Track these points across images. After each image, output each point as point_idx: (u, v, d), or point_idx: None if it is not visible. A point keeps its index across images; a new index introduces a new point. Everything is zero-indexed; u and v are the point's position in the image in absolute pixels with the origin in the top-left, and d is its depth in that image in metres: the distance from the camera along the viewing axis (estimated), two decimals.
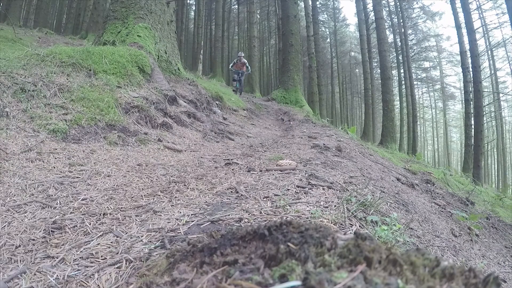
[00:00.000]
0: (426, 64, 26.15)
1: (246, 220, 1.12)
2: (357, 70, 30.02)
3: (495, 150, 22.17)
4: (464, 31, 11.05)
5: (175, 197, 1.50)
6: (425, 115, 32.94)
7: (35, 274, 0.85)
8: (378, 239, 1.04)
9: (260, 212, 1.19)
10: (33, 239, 1.06)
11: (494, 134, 20.67)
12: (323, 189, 1.48)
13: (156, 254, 0.91)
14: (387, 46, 12.50)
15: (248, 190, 1.50)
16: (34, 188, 1.51)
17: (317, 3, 17.28)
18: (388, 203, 1.56)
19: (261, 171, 1.89)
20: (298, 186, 1.49)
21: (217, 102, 5.19)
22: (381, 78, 12.40)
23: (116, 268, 0.87)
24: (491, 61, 18.38)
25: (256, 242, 0.50)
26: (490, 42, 16.77)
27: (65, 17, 17.40)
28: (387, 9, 18.07)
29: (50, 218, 1.22)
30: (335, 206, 1.24)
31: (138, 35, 4.24)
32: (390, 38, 17.81)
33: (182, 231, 1.07)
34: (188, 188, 1.65)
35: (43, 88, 2.56)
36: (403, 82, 18.44)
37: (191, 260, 0.53)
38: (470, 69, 10.64)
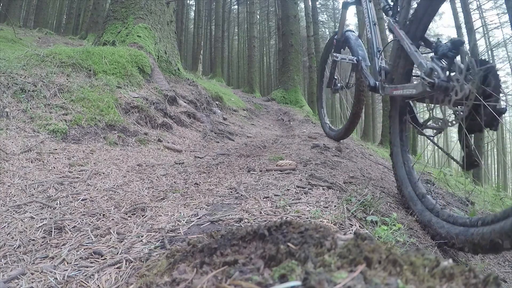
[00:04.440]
0: None
1: (246, 220, 1.12)
2: None
3: (495, 150, 22.18)
4: (464, 31, 11.05)
5: (175, 197, 1.50)
6: (425, 115, 32.86)
7: (35, 274, 0.85)
8: (378, 239, 1.04)
9: (260, 212, 1.19)
10: (33, 239, 1.06)
11: (494, 134, 20.65)
12: (323, 189, 1.48)
13: (156, 254, 0.90)
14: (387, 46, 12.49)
15: (248, 190, 1.50)
16: (34, 189, 1.51)
17: (317, 3, 17.28)
18: (388, 203, 1.56)
19: (261, 171, 1.89)
20: (298, 186, 1.49)
21: (217, 102, 5.19)
22: None
23: (116, 268, 0.87)
24: (491, 61, 18.35)
25: (256, 242, 0.50)
26: (490, 42, 16.77)
27: (65, 18, 17.41)
28: None
29: (50, 218, 1.22)
30: (335, 206, 1.24)
31: (138, 36, 4.24)
32: (390, 38, 17.81)
33: (182, 231, 1.07)
34: (188, 188, 1.65)
35: (43, 88, 2.56)
36: None
37: (191, 260, 0.53)
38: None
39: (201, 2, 20.71)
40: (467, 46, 10.82)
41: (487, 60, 1.19)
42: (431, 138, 1.54)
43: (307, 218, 1.10)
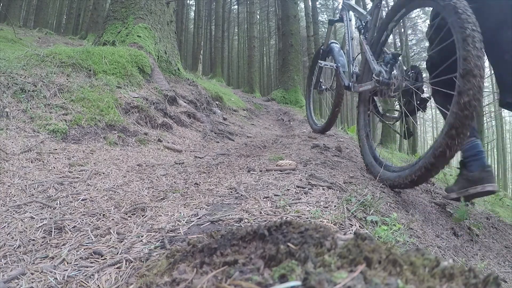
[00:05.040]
0: None
1: (246, 220, 1.12)
2: None
3: (495, 150, 22.14)
4: None
5: (175, 197, 1.50)
6: (425, 115, 32.93)
7: (35, 274, 0.85)
8: (378, 239, 1.04)
9: (260, 212, 1.19)
10: (33, 239, 1.06)
11: (494, 134, 20.65)
12: (323, 189, 1.48)
13: (156, 254, 0.90)
14: (387, 46, 12.49)
15: (248, 190, 1.50)
16: (34, 189, 1.51)
17: (317, 3, 17.28)
18: (388, 203, 1.56)
19: (261, 171, 1.89)
20: (298, 186, 1.49)
21: (217, 102, 5.19)
22: None
23: (116, 268, 0.87)
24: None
25: (256, 242, 0.50)
26: None
27: (65, 18, 17.41)
28: (387, 9, 18.03)
29: (50, 218, 1.22)
30: (335, 206, 1.24)
31: (138, 36, 4.24)
32: (390, 38, 17.78)
33: (182, 231, 1.07)
34: (188, 188, 1.65)
35: (43, 88, 2.56)
36: None
37: (191, 260, 0.53)
38: None
39: (201, 2, 20.71)
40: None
41: (416, 65, 1.73)
42: (390, 124, 2.17)
43: (307, 218, 1.10)
